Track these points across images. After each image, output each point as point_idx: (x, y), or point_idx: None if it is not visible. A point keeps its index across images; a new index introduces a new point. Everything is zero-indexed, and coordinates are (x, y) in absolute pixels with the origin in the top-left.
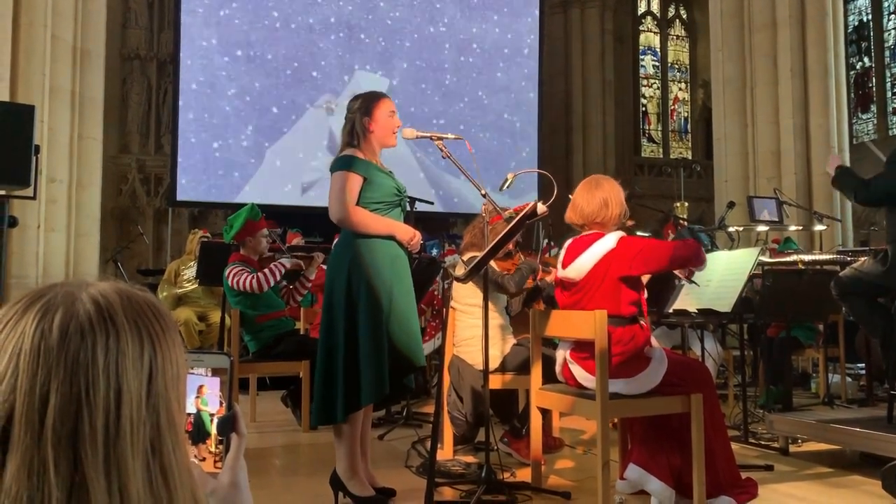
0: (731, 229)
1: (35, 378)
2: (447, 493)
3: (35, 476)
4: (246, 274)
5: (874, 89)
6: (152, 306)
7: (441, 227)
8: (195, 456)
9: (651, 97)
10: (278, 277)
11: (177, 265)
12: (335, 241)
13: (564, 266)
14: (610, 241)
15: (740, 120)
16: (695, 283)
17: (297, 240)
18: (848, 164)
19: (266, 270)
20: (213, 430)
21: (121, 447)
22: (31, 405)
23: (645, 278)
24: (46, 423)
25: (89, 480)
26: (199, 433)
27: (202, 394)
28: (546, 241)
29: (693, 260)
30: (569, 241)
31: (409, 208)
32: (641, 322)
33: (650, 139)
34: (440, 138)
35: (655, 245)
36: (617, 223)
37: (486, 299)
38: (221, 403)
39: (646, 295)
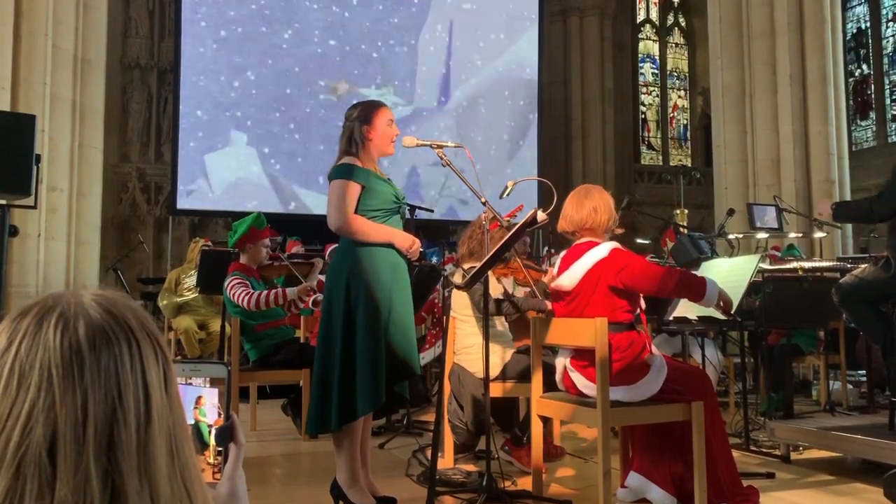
0: (730, 236)
1: (74, 392)
2: (448, 501)
3: (79, 486)
4: (244, 289)
5: (873, 96)
6: (143, 313)
7: (441, 234)
8: None
9: (650, 105)
10: (272, 305)
11: (177, 273)
12: (329, 249)
13: (559, 276)
14: (603, 250)
15: (739, 127)
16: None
17: (297, 248)
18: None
19: (264, 296)
20: (212, 441)
21: (151, 449)
22: (75, 419)
23: None
24: (88, 435)
25: (127, 483)
26: (197, 444)
27: (200, 405)
28: (547, 248)
29: (681, 291)
30: (563, 253)
31: (408, 216)
32: (639, 329)
33: (650, 146)
34: (440, 146)
35: (644, 266)
36: (607, 230)
37: (486, 307)
38: (219, 414)
39: (643, 304)
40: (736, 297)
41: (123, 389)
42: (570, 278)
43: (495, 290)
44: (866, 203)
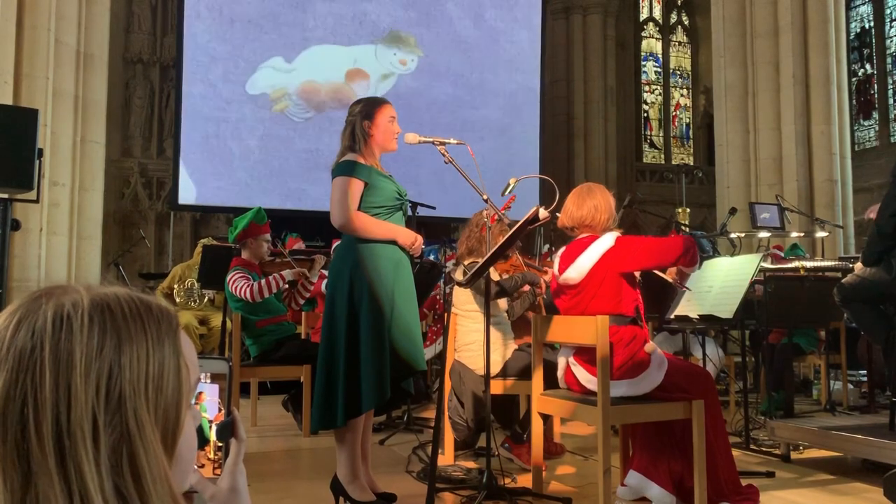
0: (732, 235)
1: None
2: (448, 498)
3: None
4: (244, 281)
5: (876, 96)
6: (139, 306)
7: (443, 231)
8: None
9: (653, 103)
10: (273, 290)
11: (182, 269)
12: (335, 246)
13: (561, 272)
14: (608, 240)
15: (742, 126)
16: (688, 288)
17: (298, 245)
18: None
19: (264, 282)
20: (213, 436)
21: (76, 451)
22: None
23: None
24: (8, 414)
25: (41, 484)
26: (198, 440)
27: (201, 400)
28: (548, 246)
29: (684, 255)
30: (562, 249)
31: (410, 213)
32: (640, 324)
33: (652, 145)
34: (442, 143)
35: (651, 241)
36: (605, 228)
37: (487, 305)
38: (220, 410)
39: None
40: (737, 298)
41: (39, 382)
42: (577, 271)
43: None
44: (873, 229)
